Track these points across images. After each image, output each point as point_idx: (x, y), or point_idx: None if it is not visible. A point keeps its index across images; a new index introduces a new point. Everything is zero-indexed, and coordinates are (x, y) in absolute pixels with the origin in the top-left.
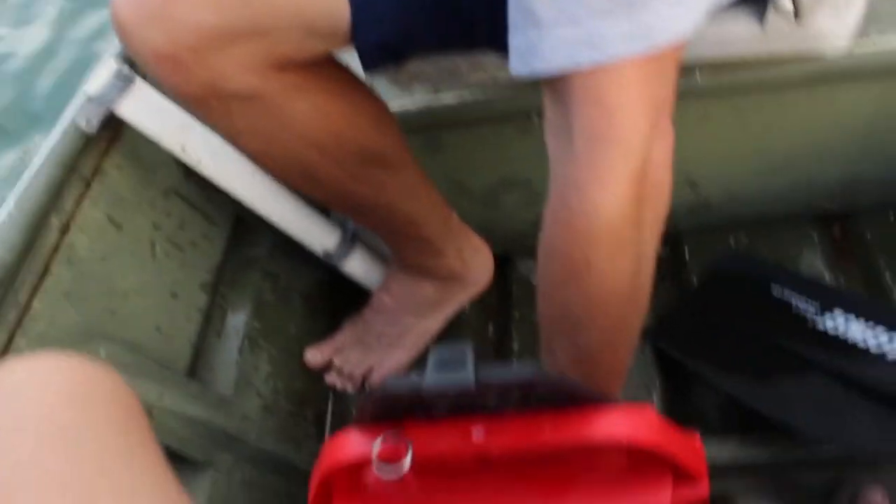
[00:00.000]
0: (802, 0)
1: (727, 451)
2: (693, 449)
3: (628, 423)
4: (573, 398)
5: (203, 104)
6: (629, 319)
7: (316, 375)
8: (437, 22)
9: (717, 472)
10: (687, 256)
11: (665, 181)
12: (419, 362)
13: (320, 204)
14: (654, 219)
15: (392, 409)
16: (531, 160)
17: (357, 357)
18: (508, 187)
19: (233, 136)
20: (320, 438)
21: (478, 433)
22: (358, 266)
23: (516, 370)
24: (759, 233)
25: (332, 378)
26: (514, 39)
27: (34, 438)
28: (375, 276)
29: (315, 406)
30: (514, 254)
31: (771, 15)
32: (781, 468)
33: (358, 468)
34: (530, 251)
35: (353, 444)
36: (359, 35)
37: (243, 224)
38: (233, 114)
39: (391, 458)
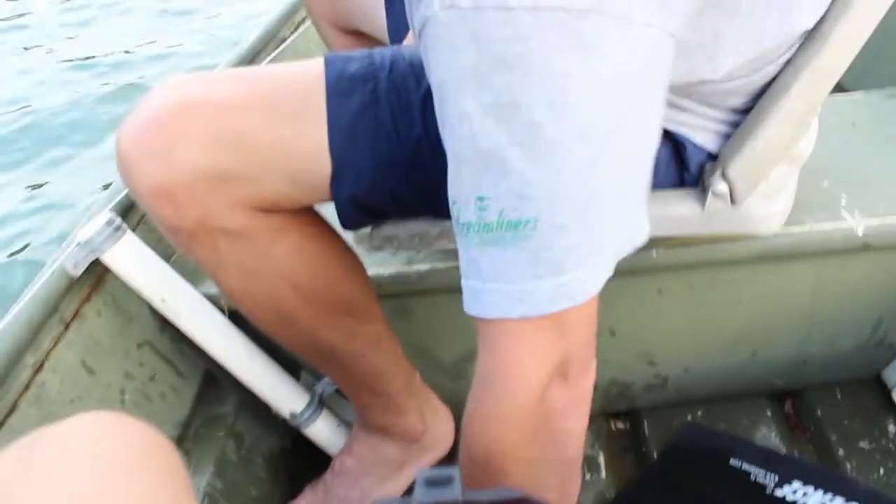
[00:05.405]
0: (737, 186)
1: None
2: None
3: None
4: None
5: (192, 237)
6: None
7: None
8: (407, 186)
9: None
10: (646, 431)
11: (571, 428)
12: None
13: (290, 364)
14: (554, 458)
15: None
16: None
17: None
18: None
19: (217, 271)
20: None
21: None
22: (323, 431)
23: (503, 492)
24: (715, 408)
25: None
26: (464, 282)
27: (90, 492)
28: (339, 442)
29: None
30: None
31: (710, 199)
32: None
33: None
34: None
35: None
36: (336, 187)
37: (213, 381)
38: (219, 248)
39: None
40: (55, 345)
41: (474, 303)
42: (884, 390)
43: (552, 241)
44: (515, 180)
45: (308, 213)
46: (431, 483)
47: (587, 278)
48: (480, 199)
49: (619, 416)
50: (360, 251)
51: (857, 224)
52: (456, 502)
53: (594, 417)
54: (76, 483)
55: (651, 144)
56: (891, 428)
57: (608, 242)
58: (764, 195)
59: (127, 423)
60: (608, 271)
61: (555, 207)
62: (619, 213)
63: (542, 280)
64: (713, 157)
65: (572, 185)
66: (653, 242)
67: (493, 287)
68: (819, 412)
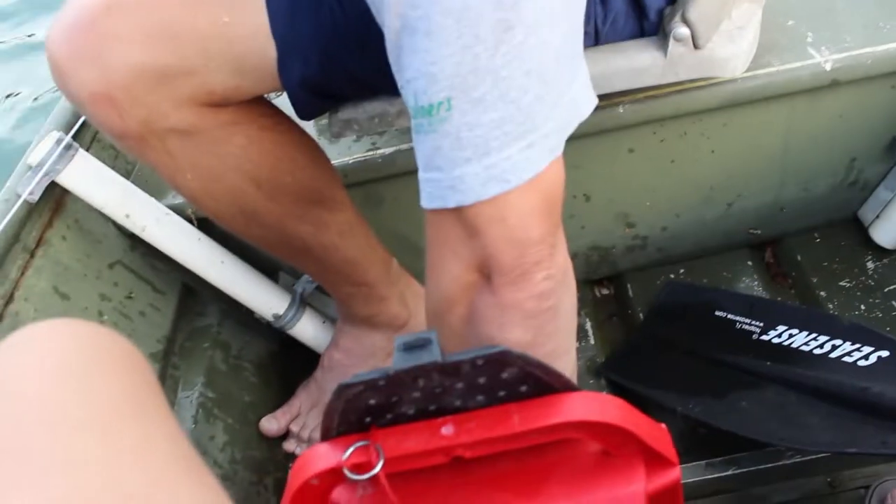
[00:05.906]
0: (699, 28)
1: (696, 475)
2: (661, 432)
3: (596, 406)
4: (539, 383)
5: (141, 141)
6: None
7: (274, 443)
8: (360, 63)
9: (688, 497)
10: (631, 294)
11: (499, 338)
12: None
13: (267, 267)
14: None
15: (358, 419)
16: None
17: (314, 421)
18: None
19: (173, 175)
20: None
21: (447, 429)
22: (308, 329)
23: (484, 349)
24: (697, 264)
25: (290, 445)
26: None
27: (48, 387)
28: (325, 339)
29: (275, 474)
30: None
31: (672, 44)
32: (751, 485)
33: (327, 491)
34: None
35: (322, 458)
36: (283, 72)
37: (191, 293)
38: (170, 150)
39: (362, 465)
40: (23, 274)
41: (420, 193)
42: (861, 229)
43: (472, 119)
44: (421, 58)
45: (261, 104)
46: (409, 347)
47: (519, 158)
48: (407, 82)
49: (602, 282)
50: (322, 143)
51: (824, 60)
52: (435, 363)
53: (578, 285)
54: (33, 387)
55: (578, 4)
56: (869, 265)
57: (540, 116)
58: (727, 36)
59: (88, 329)
60: (550, 151)
61: (466, 82)
62: (548, 82)
63: (469, 163)
64: (672, 3)
65: (481, 55)
66: (619, 98)
67: (428, 176)
68: (799, 257)
